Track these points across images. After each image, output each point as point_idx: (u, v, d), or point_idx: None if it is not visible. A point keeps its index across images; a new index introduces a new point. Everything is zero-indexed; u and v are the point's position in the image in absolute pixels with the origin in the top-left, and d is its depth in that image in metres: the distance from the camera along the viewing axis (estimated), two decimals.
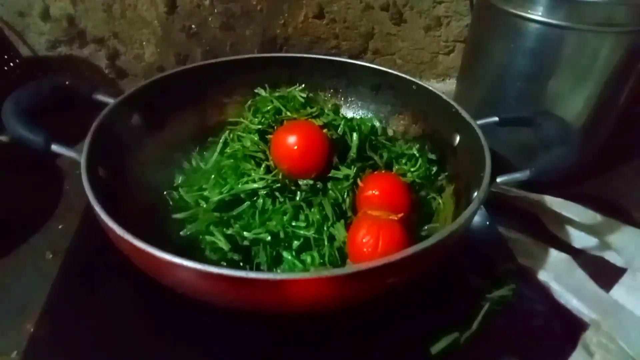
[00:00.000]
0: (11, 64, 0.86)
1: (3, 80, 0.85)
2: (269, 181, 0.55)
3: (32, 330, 0.55)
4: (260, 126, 0.64)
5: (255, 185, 0.54)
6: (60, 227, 0.71)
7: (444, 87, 1.12)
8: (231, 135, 0.66)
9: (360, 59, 1.08)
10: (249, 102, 0.72)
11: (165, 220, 0.58)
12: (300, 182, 0.59)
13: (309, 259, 0.52)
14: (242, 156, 0.59)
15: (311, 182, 0.58)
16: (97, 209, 0.45)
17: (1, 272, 0.63)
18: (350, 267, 0.40)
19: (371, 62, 1.08)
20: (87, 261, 0.63)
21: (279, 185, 0.56)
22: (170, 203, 0.62)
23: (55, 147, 0.54)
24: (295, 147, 0.56)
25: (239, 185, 0.55)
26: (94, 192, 0.47)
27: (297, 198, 0.57)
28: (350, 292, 0.43)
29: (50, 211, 0.74)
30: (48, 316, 0.56)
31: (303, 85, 0.77)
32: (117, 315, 0.56)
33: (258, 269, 0.53)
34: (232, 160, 0.59)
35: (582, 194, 0.76)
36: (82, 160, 0.51)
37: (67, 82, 0.60)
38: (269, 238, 0.52)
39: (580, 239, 0.69)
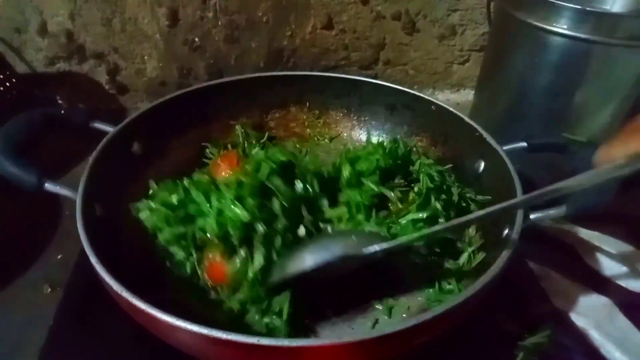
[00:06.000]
0: (7, 84, 0.83)
1: None
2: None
3: None
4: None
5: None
6: (59, 257, 0.67)
7: (459, 98, 1.07)
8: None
9: (370, 70, 1.03)
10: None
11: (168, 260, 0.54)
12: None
13: None
14: None
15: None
16: (94, 260, 0.41)
17: None
18: (375, 332, 0.36)
19: (382, 73, 1.04)
20: (87, 297, 0.58)
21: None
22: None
23: (48, 186, 0.50)
24: None
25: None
26: (89, 238, 0.43)
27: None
28: (374, 355, 0.38)
29: (48, 239, 0.69)
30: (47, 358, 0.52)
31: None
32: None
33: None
34: None
35: (608, 213, 0.72)
36: (78, 200, 0.48)
37: (62, 112, 0.56)
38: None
39: (618, 271, 0.64)
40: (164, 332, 0.40)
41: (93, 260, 0.41)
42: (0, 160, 0.50)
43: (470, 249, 0.56)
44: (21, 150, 0.52)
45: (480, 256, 0.55)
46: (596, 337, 0.55)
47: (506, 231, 0.49)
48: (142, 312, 0.37)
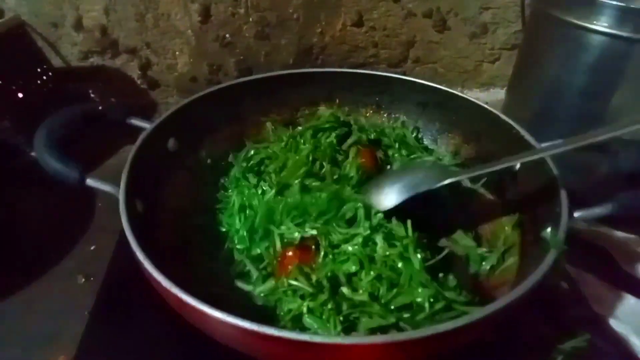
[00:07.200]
0: (44, 77, 0.84)
1: (36, 93, 0.83)
2: None
3: None
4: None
5: None
6: (92, 248, 0.68)
7: (488, 97, 1.06)
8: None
9: (399, 68, 1.02)
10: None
11: (204, 249, 0.55)
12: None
13: None
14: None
15: None
16: (141, 257, 0.42)
17: (30, 298, 0.60)
18: (427, 330, 0.35)
19: (411, 71, 1.03)
20: (124, 287, 0.59)
21: None
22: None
23: (90, 182, 0.51)
24: None
25: None
26: (134, 234, 0.43)
27: None
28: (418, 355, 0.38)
29: (82, 231, 0.71)
30: (85, 348, 0.52)
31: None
32: (155, 350, 0.53)
33: None
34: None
35: None
36: (121, 197, 0.48)
37: (99, 108, 0.57)
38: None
39: None
40: (212, 328, 0.40)
41: (140, 256, 0.41)
42: (44, 156, 0.50)
43: (503, 248, 0.55)
44: (62, 146, 0.53)
45: (513, 260, 0.54)
46: (636, 343, 0.54)
47: (548, 229, 0.48)
48: (191, 308, 0.37)
